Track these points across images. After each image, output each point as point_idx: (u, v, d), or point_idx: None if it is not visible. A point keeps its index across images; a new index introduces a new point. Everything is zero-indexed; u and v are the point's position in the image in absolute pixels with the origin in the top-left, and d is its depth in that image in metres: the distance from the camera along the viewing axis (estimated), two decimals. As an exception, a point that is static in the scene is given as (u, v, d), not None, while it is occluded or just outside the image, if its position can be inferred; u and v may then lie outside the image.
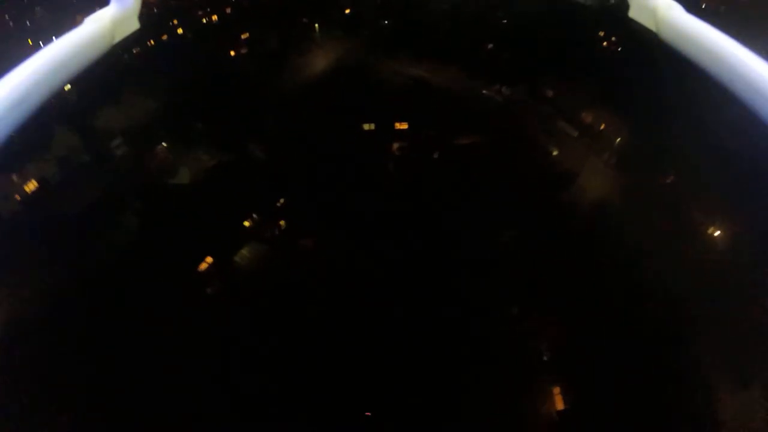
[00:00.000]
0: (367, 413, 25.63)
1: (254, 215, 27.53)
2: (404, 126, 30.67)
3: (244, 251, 27.13)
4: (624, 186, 34.10)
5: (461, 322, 27.56)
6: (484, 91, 36.43)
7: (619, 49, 41.32)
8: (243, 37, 41.43)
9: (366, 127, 30.46)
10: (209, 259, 25.72)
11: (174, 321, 26.56)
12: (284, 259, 28.11)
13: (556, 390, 24.52)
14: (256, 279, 27.23)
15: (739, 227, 33.24)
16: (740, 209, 32.83)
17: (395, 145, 31.34)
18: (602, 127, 36.92)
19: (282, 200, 28.03)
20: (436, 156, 30.88)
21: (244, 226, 27.57)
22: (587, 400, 23.92)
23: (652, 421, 24.11)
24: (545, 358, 25.20)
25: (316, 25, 40.65)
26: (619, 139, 35.99)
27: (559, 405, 24.23)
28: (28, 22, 44.67)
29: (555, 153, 33.53)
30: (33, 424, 23.28)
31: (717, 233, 33.85)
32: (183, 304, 27.05)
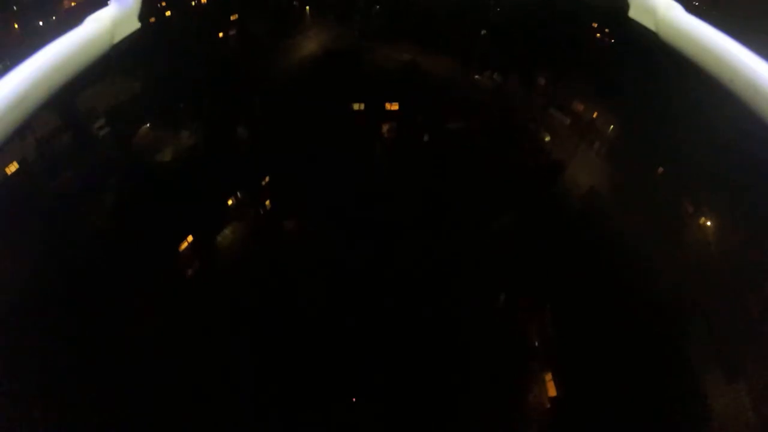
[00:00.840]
0: (353, 399, 24.53)
1: (238, 194, 26.32)
2: (395, 107, 29.64)
3: (227, 231, 25.83)
4: (615, 176, 33.43)
5: (450, 310, 26.54)
6: (476, 77, 35.63)
7: (613, 41, 40.94)
8: (232, 18, 40.47)
9: (355, 106, 29.30)
10: (190, 239, 24.39)
11: (154, 303, 25.27)
12: (268, 240, 26.89)
13: (548, 376, 23.63)
14: (238, 260, 25.93)
15: (730, 220, 32.90)
16: (732, 201, 32.50)
17: (385, 127, 30.32)
18: (594, 116, 36.32)
19: (267, 179, 26.80)
20: (426, 139, 29.93)
21: (228, 206, 26.30)
22: (579, 385, 23.04)
23: (643, 406, 23.35)
24: (536, 344, 24.33)
25: (307, 8, 39.74)
26: (611, 129, 35.46)
27: (552, 391, 23.34)
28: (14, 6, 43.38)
29: (547, 139, 32.81)
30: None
31: (708, 225, 33.44)
32: (163, 286, 25.80)
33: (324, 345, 25.30)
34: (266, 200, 26.91)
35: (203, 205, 25.84)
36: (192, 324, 23.28)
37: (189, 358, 23.49)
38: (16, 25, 42.91)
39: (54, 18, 45.03)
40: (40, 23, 44.70)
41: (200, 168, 26.86)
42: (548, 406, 23.18)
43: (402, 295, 26.35)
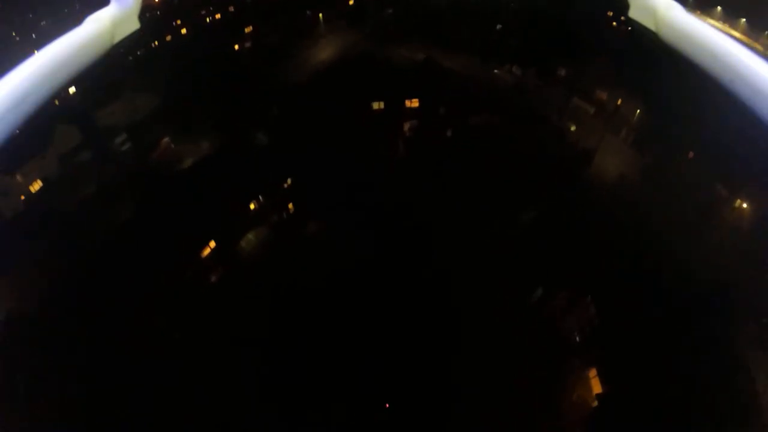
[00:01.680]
0: (386, 404, 23.23)
1: (260, 197, 25.57)
2: (415, 104, 28.78)
3: (250, 235, 25.06)
4: (644, 162, 32.05)
5: (485, 308, 25.22)
6: (495, 71, 34.70)
7: (629, 28, 39.63)
8: (246, 31, 40.44)
9: (375, 106, 28.54)
10: (212, 244, 23.69)
11: (177, 310, 24.65)
12: (291, 244, 26.02)
13: (592, 373, 21.99)
14: (261, 264, 25.03)
15: (765, 203, 31.13)
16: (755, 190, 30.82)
17: (406, 125, 29.46)
18: (618, 103, 35.04)
19: (289, 181, 26.01)
20: (449, 135, 28.94)
21: (250, 210, 25.60)
22: (626, 381, 21.35)
23: (691, 401, 21.55)
24: (577, 339, 22.75)
25: (320, 15, 39.47)
26: (637, 115, 34.08)
27: (597, 389, 21.68)
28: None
29: (573, 129, 31.52)
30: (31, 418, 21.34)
31: (743, 208, 31.65)
32: (187, 293, 25.14)
33: (353, 350, 24.28)
34: (289, 203, 26.22)
35: (226, 211, 25.17)
36: (216, 332, 22.55)
37: (212, 366, 22.78)
38: (16, 35, 43.58)
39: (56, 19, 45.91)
40: (42, 23, 45.42)
41: (221, 174, 26.26)
42: (594, 404, 21.58)
43: (435, 294, 25.13)
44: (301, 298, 25.77)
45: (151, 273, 24.66)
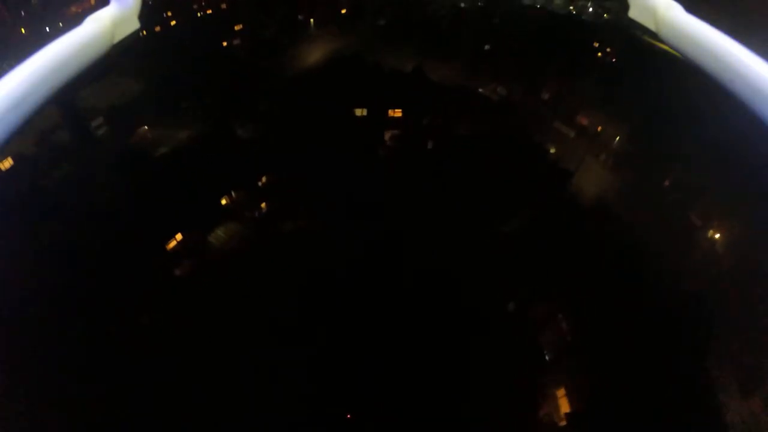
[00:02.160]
0: (348, 415, 22.10)
1: (233, 193, 24.60)
2: (398, 113, 28.50)
3: (220, 231, 24.02)
4: (621, 186, 32.29)
5: (455, 320, 24.48)
6: (480, 90, 34.81)
7: (614, 60, 40.68)
8: (236, 28, 40.07)
9: (358, 112, 28.13)
10: (179, 237, 22.56)
11: (143, 300, 23.27)
12: (263, 242, 25.04)
13: (560, 392, 21.37)
14: (230, 261, 24.03)
15: (739, 229, 31.57)
16: (740, 211, 31.34)
17: (388, 134, 29.08)
18: (599, 129, 35.44)
19: (264, 178, 25.16)
20: (430, 146, 28.64)
21: (221, 205, 24.62)
22: (594, 401, 20.73)
23: (661, 422, 21.09)
24: (547, 357, 22.18)
25: (312, 20, 39.27)
26: (616, 141, 34.46)
27: (565, 408, 21.04)
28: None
29: (552, 151, 31.63)
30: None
31: (717, 236, 32.07)
32: (152, 284, 23.81)
33: (318, 354, 23.17)
34: (262, 202, 25.31)
35: (196, 204, 24.13)
36: (180, 323, 21.18)
37: (177, 356, 21.37)
38: (23, 30, 42.98)
39: (61, 24, 45.22)
40: (47, 29, 44.68)
41: (195, 166, 25.35)
42: (562, 423, 20.92)
43: (404, 304, 24.29)
44: (269, 298, 24.77)
45: (117, 259, 23.40)
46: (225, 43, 37.05)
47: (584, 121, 33.67)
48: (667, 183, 33.36)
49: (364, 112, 28.26)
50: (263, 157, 26.65)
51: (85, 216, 25.67)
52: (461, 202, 27.08)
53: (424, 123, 28.58)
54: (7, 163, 29.90)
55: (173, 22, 38.24)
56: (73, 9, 44.36)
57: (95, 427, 20.75)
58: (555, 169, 29.17)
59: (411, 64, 33.80)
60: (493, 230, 25.69)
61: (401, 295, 25.65)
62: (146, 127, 31.40)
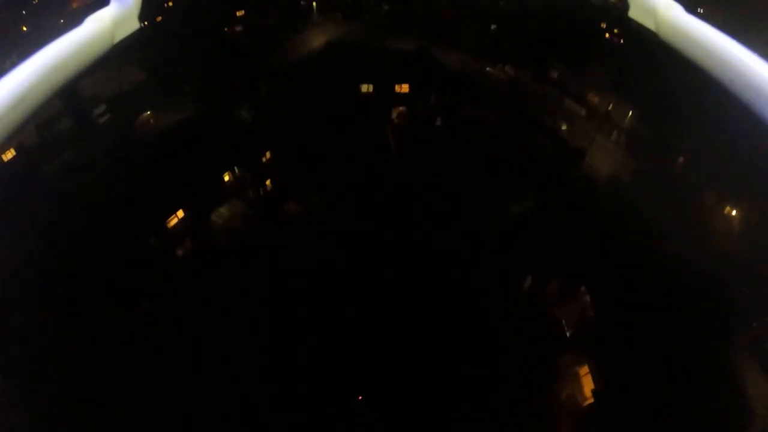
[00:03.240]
0: (359, 397, 20.65)
1: (236, 170, 23.30)
2: (405, 89, 27.17)
3: (223, 209, 22.71)
4: (634, 166, 30.85)
5: (470, 300, 22.98)
6: (488, 69, 33.51)
7: (622, 41, 39.40)
8: (238, 14, 38.98)
9: (364, 88, 26.83)
10: (180, 214, 21.24)
11: (141, 286, 21.89)
12: (267, 221, 23.71)
13: (583, 370, 19.86)
14: (233, 241, 22.68)
15: (755, 209, 30.21)
16: (757, 190, 30.01)
17: (395, 111, 27.75)
18: (610, 108, 34.04)
19: (268, 155, 23.84)
20: (438, 123, 27.32)
21: (224, 182, 23.32)
22: (619, 380, 19.21)
23: (686, 404, 19.48)
24: (568, 334, 20.69)
25: (314, 4, 38.18)
26: (627, 120, 33.06)
27: (588, 388, 19.53)
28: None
29: (564, 128, 30.24)
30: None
31: (734, 213, 30.58)
32: (153, 264, 22.37)
33: (328, 339, 21.72)
34: (267, 179, 24.01)
35: (197, 182, 22.81)
36: (181, 304, 19.84)
37: (177, 343, 19.94)
38: (24, 27, 42.22)
39: (62, 21, 44.33)
40: (48, 24, 43.85)
41: (197, 145, 24.01)
42: (585, 404, 19.42)
43: (416, 285, 22.90)
44: (274, 280, 23.39)
45: (117, 240, 22.02)
46: (228, 29, 36.07)
47: (594, 100, 32.30)
48: (680, 161, 32.06)
49: (370, 88, 27.00)
50: (267, 134, 25.33)
51: (86, 200, 24.56)
52: (471, 180, 25.75)
53: (432, 100, 27.33)
54: (9, 154, 29.06)
55: (174, 9, 37.26)
56: (74, 4, 43.52)
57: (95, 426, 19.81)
58: (567, 146, 27.81)
59: (416, 46, 32.62)
60: (505, 208, 24.34)
61: (411, 275, 24.29)
62: (149, 112, 30.35)
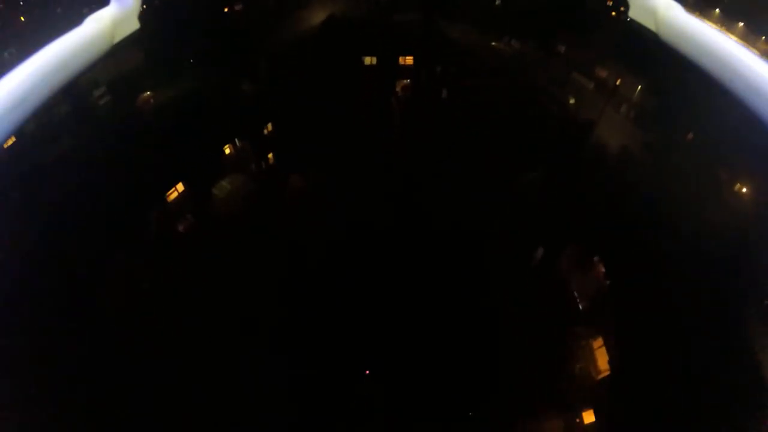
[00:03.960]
0: (366, 371, 19.94)
1: (237, 142, 22.34)
2: (409, 61, 26.13)
3: (225, 182, 21.78)
4: (644, 138, 29.96)
5: (479, 272, 22.16)
6: (493, 44, 32.39)
7: (630, 18, 38.27)
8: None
9: (367, 60, 25.77)
10: (180, 187, 20.32)
11: (141, 266, 21.01)
12: (270, 196, 22.81)
13: (597, 343, 19.11)
14: (235, 214, 21.74)
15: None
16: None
17: (399, 84, 26.73)
18: (618, 82, 33.00)
19: (270, 126, 22.82)
20: (444, 95, 26.30)
21: (225, 155, 22.36)
22: (635, 353, 18.47)
23: (701, 378, 18.75)
24: (580, 307, 19.91)
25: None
26: (636, 94, 32.03)
27: (602, 360, 18.78)
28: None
29: (572, 102, 29.25)
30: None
31: (744, 191, 29.72)
32: (153, 239, 21.49)
33: (335, 317, 20.95)
34: (269, 152, 23.07)
35: (198, 155, 21.78)
36: (181, 280, 19.05)
37: (173, 323, 19.17)
38: (22, 18, 41.18)
39: (59, 10, 43.16)
40: (45, 15, 42.70)
41: (197, 119, 22.98)
42: (600, 377, 18.68)
43: (423, 258, 22.09)
44: (279, 257, 22.55)
45: (117, 217, 21.13)
46: (226, 9, 34.93)
47: (602, 74, 31.21)
48: (690, 137, 31.11)
49: (374, 60, 25.94)
50: (268, 106, 24.27)
51: (87, 180, 23.65)
52: (478, 150, 24.77)
53: (437, 71, 26.28)
54: (10, 140, 28.21)
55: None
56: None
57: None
58: (575, 119, 26.83)
59: (420, 18, 31.43)
60: (514, 178, 23.41)
61: (418, 249, 23.44)
62: (149, 93, 29.40)
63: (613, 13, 40.81)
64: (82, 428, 18.75)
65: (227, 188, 20.85)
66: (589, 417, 17.52)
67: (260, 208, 21.70)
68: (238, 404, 18.32)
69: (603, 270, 19.23)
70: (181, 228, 20.32)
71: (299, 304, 21.07)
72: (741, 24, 41.86)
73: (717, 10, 43.06)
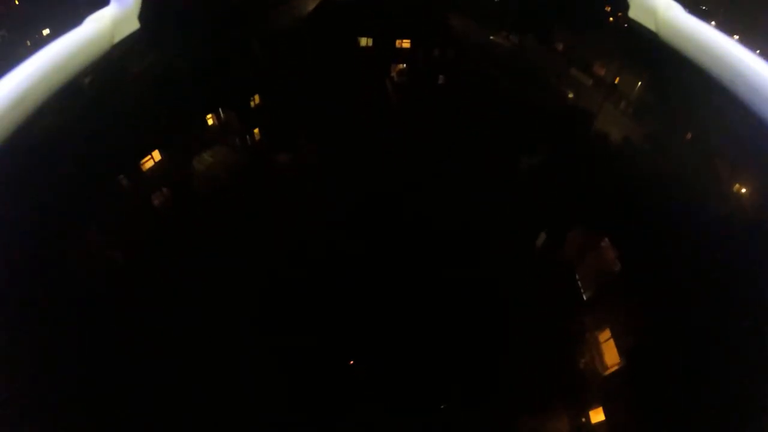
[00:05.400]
0: (350, 362, 17.83)
1: (221, 112, 20.42)
2: (407, 44, 24.77)
3: (206, 154, 19.81)
4: (644, 132, 29.03)
5: (477, 261, 20.33)
6: (491, 38, 31.40)
7: (626, 25, 37.87)
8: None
9: (363, 42, 24.34)
10: (157, 156, 18.31)
11: (114, 239, 18.90)
12: (254, 172, 20.79)
13: (603, 336, 17.32)
14: (216, 193, 19.75)
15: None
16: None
17: (396, 67, 25.30)
18: (616, 80, 32.16)
19: (257, 97, 20.96)
20: (441, 79, 24.89)
21: (208, 126, 20.44)
22: (642, 344, 16.73)
23: (717, 374, 17.07)
24: (585, 297, 18.17)
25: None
26: (635, 91, 31.20)
27: (609, 353, 16.97)
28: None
29: (570, 96, 28.15)
30: None
31: (743, 191, 28.87)
32: (125, 220, 19.48)
33: (322, 307, 18.96)
34: (255, 128, 21.19)
35: (179, 124, 19.81)
36: (155, 255, 16.90)
37: (149, 303, 17.09)
38: (17, 1, 39.60)
39: None
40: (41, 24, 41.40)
41: (180, 89, 21.18)
42: (606, 372, 16.84)
43: (419, 244, 20.27)
44: (261, 240, 20.55)
45: (87, 187, 19.05)
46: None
47: (601, 71, 30.32)
48: (689, 136, 30.26)
49: (370, 42, 24.54)
50: (258, 80, 22.54)
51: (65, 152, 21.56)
52: (477, 133, 23.27)
53: (434, 54, 24.95)
54: None
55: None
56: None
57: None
58: (575, 110, 25.65)
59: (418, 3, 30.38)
60: (515, 162, 21.89)
61: (413, 233, 21.66)
62: (138, 70, 27.63)
63: (608, 9, 40.73)
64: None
65: (208, 161, 18.98)
66: (597, 416, 15.67)
67: (243, 185, 19.82)
68: (213, 390, 16.22)
69: (607, 257, 17.64)
70: (156, 201, 18.33)
71: (279, 289, 19.14)
72: (736, 37, 42.12)
73: (713, 22, 43.51)
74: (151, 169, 17.73)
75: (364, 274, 19.78)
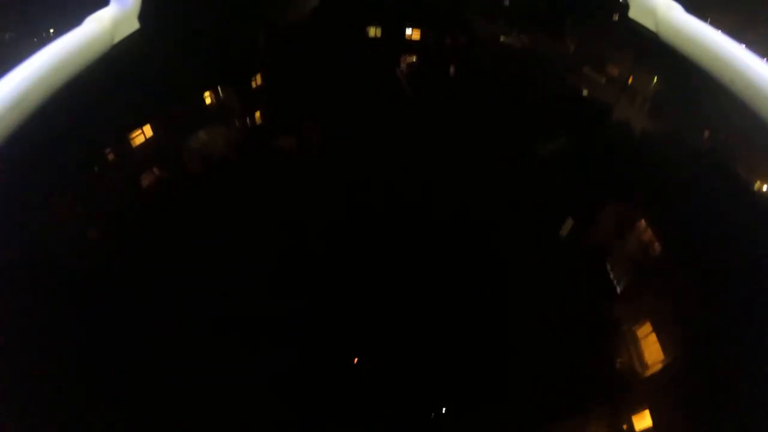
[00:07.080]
0: (355, 359, 15.71)
1: (219, 90, 18.76)
2: (416, 34, 23.61)
3: (202, 133, 17.98)
4: (662, 128, 27.63)
5: (497, 253, 18.37)
6: (501, 38, 30.56)
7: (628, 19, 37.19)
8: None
9: (372, 32, 23.18)
10: (148, 131, 16.54)
11: (93, 210, 17.00)
12: (254, 155, 19.16)
13: (643, 331, 15.17)
14: (211, 175, 18.09)
15: None
16: None
17: (404, 60, 24.11)
18: (630, 81, 31.19)
19: (258, 77, 19.39)
20: (452, 71, 23.61)
21: (205, 104, 18.75)
22: (686, 339, 14.63)
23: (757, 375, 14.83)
24: (618, 289, 16.12)
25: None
26: (649, 90, 30.13)
27: (650, 351, 14.83)
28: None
29: (585, 93, 27.04)
30: None
31: (765, 188, 27.22)
32: (110, 203, 17.57)
33: (323, 300, 16.95)
34: (257, 110, 19.61)
35: (172, 100, 18.46)
36: (139, 235, 15.16)
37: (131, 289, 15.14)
38: (15, 35, 38.93)
39: None
40: (41, 25, 40.74)
41: (173, 64, 19.79)
42: (647, 373, 14.59)
43: (432, 236, 18.37)
44: (257, 229, 18.73)
45: (66, 156, 17.40)
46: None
47: (614, 71, 29.34)
48: (706, 135, 28.92)
49: (378, 32, 23.41)
50: (260, 60, 21.15)
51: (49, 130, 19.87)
52: (493, 118, 21.87)
53: (446, 42, 23.83)
54: None
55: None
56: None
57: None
58: (590, 104, 24.42)
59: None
60: (534, 147, 20.36)
61: (425, 225, 19.87)
62: (132, 52, 26.27)
63: (609, 10, 40.03)
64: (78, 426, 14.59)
65: (204, 139, 17.26)
66: (641, 421, 13.44)
67: (240, 168, 18.14)
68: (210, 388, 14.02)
69: (641, 244, 15.71)
70: (145, 182, 16.58)
71: (275, 282, 17.18)
72: (736, 38, 41.55)
73: (712, 22, 43.01)
74: (141, 145, 16.09)
75: (371, 267, 17.88)
